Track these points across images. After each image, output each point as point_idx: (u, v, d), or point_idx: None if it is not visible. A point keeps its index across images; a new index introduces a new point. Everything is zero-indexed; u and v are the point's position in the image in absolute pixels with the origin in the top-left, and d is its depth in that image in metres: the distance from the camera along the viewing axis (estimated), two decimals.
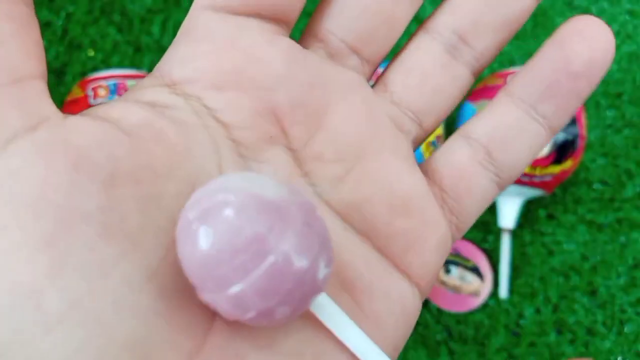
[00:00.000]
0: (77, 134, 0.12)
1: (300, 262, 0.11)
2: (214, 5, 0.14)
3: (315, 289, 0.12)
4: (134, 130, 0.12)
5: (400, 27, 0.15)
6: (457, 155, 0.16)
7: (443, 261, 0.16)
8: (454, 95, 0.16)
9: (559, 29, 0.15)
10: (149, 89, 0.14)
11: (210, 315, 0.12)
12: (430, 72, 0.16)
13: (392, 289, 0.14)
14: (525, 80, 0.16)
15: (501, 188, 0.16)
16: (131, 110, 0.13)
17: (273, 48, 0.14)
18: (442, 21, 0.16)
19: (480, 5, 0.15)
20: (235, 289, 0.11)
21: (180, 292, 0.12)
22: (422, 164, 0.17)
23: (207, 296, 0.11)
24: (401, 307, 0.15)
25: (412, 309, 0.15)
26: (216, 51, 0.14)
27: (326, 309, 0.13)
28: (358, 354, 0.13)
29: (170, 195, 0.12)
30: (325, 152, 0.15)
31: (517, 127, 0.16)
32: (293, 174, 0.14)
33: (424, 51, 0.16)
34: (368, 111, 0.15)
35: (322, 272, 0.12)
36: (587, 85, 0.15)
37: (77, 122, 0.12)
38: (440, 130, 0.39)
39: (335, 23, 0.15)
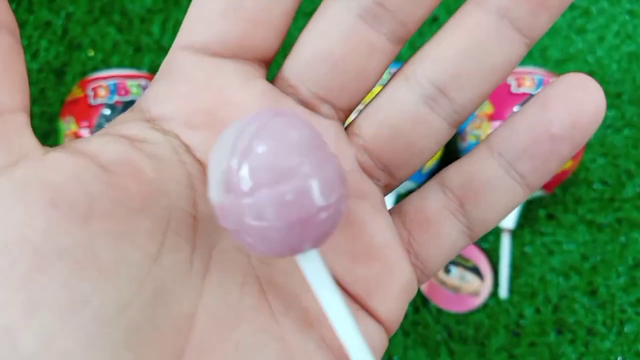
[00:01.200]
0: (54, 171, 0.12)
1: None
2: (193, 46, 0.14)
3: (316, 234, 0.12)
4: (111, 165, 0.13)
5: (374, 78, 0.15)
6: (429, 202, 0.16)
7: (407, 304, 0.16)
8: (428, 148, 0.16)
9: (545, 88, 0.14)
10: (130, 123, 0.14)
11: (181, 346, 0.13)
12: (404, 127, 0.15)
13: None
14: (505, 135, 0.15)
15: (472, 240, 0.16)
16: (109, 145, 0.13)
17: (246, 92, 0.14)
18: (422, 70, 0.15)
19: (463, 55, 0.15)
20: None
21: (151, 325, 0.12)
22: (395, 206, 0.17)
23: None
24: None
25: (378, 345, 0.15)
26: (191, 92, 0.14)
27: (313, 263, 0.13)
28: (330, 316, 0.13)
29: (144, 231, 0.12)
30: None
31: (493, 183, 0.15)
32: None
33: (400, 103, 0.15)
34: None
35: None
36: (568, 148, 0.14)
37: (55, 158, 0.12)
38: None
39: (305, 75, 0.15)
